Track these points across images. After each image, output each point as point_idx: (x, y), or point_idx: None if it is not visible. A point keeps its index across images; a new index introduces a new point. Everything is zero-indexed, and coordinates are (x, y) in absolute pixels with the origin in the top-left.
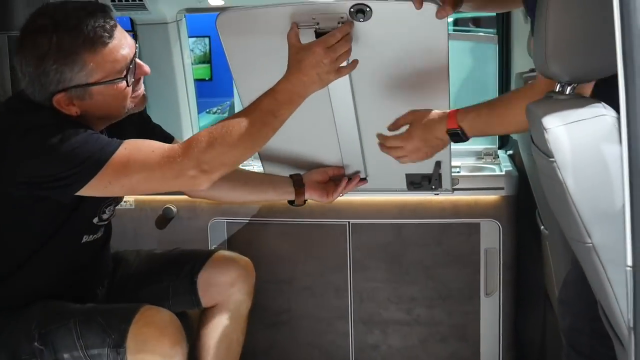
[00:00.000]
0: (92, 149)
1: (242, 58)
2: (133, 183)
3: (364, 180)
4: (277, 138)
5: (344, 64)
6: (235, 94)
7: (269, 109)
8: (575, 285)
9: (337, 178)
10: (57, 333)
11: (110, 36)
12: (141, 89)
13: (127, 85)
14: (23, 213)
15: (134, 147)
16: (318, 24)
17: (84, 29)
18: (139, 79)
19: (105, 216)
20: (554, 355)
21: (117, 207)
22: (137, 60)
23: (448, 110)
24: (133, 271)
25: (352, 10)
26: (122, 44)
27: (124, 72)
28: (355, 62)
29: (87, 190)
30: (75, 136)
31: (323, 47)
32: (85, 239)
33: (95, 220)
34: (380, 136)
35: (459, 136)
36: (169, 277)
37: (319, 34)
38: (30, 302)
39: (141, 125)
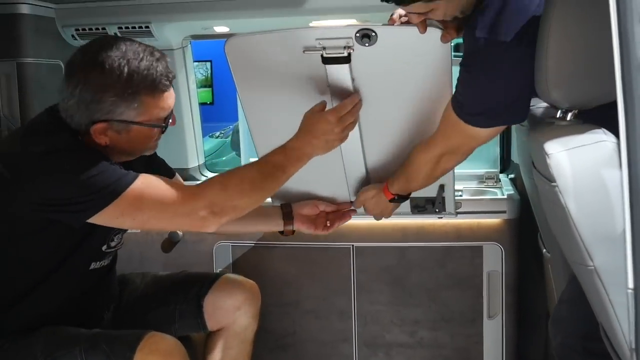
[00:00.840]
0: (109, 179)
1: (250, 82)
2: (144, 218)
3: (353, 211)
4: None
5: None
6: (240, 118)
7: (279, 164)
8: (569, 305)
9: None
10: None
11: (169, 85)
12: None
13: (162, 132)
14: (34, 238)
15: (149, 182)
16: (324, 48)
17: (153, 73)
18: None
19: (113, 244)
20: None
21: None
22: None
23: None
24: (140, 294)
25: (357, 35)
26: (172, 95)
27: (164, 120)
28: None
29: (98, 219)
30: (93, 164)
31: (336, 117)
32: (93, 265)
33: (104, 247)
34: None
35: (402, 199)
36: (176, 300)
37: (325, 59)
38: (36, 327)
39: (148, 157)
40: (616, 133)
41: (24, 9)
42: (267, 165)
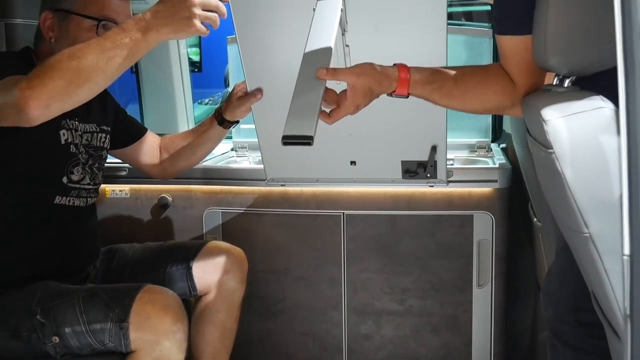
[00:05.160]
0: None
1: (249, 25)
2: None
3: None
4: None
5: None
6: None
7: (108, 34)
8: (558, 276)
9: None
10: (60, 308)
11: None
12: None
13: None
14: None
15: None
16: None
17: None
18: None
19: (75, 177)
20: (544, 346)
21: (99, 185)
22: None
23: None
24: (129, 259)
25: None
26: (117, 3)
27: (100, 21)
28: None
29: None
30: (7, 63)
31: None
32: (58, 200)
33: (65, 180)
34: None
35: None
36: (165, 265)
37: None
38: (27, 282)
39: (115, 114)
40: (613, 101)
41: None
42: (96, 39)
